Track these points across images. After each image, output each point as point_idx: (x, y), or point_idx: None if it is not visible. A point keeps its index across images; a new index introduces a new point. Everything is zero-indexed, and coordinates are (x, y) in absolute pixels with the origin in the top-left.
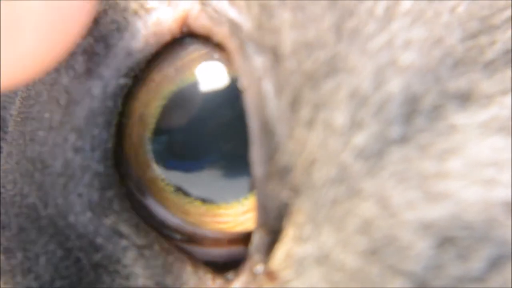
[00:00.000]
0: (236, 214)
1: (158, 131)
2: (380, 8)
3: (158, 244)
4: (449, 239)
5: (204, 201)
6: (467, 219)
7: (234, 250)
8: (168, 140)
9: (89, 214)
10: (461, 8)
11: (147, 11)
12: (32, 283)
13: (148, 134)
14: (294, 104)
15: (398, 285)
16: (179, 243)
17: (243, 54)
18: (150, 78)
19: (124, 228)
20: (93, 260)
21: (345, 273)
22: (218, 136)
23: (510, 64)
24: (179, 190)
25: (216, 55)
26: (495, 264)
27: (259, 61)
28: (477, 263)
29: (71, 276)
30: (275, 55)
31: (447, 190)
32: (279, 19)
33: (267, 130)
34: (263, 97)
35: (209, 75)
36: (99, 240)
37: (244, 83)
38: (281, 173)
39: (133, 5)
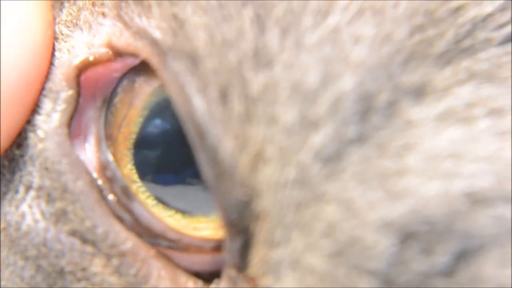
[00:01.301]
0: (216, 227)
1: (139, 144)
2: (314, 1)
3: (133, 253)
4: (411, 235)
5: (184, 213)
6: (428, 214)
7: (218, 258)
8: (149, 153)
9: (44, 223)
10: (403, 3)
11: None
12: None
13: (129, 146)
14: (223, 101)
15: (365, 284)
16: (163, 249)
17: (165, 65)
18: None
19: (90, 236)
20: (57, 267)
21: (316, 277)
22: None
23: (462, 55)
24: (160, 202)
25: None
26: (461, 257)
27: (179, 67)
28: (442, 257)
29: (39, 285)
30: (193, 58)
31: (407, 187)
32: (192, 24)
33: (201, 131)
34: (189, 100)
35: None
36: (58, 247)
37: (172, 93)
38: (228, 172)
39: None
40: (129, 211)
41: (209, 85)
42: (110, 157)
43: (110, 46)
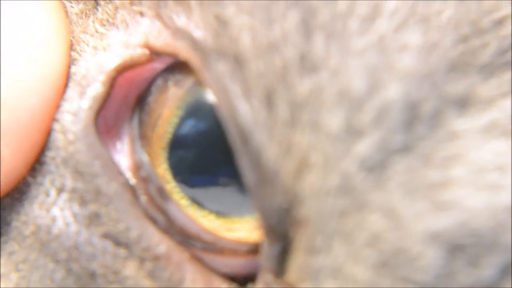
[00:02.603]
0: (251, 229)
1: (174, 144)
2: (360, 7)
3: (168, 256)
4: (458, 248)
5: (218, 214)
6: (475, 227)
7: (254, 262)
8: (183, 153)
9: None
10: (448, 12)
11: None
12: None
13: (163, 146)
14: (268, 105)
15: None
16: (197, 251)
17: (207, 66)
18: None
19: (123, 239)
20: (89, 270)
21: (358, 286)
22: (231, 150)
23: (506, 66)
24: (194, 203)
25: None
26: (505, 270)
27: (222, 69)
28: (487, 270)
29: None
30: (237, 60)
31: (453, 199)
32: (237, 25)
33: (245, 135)
34: (233, 103)
35: None
36: (90, 250)
37: (214, 95)
38: (271, 177)
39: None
40: (163, 212)
41: (254, 89)
42: (145, 157)
43: (147, 45)
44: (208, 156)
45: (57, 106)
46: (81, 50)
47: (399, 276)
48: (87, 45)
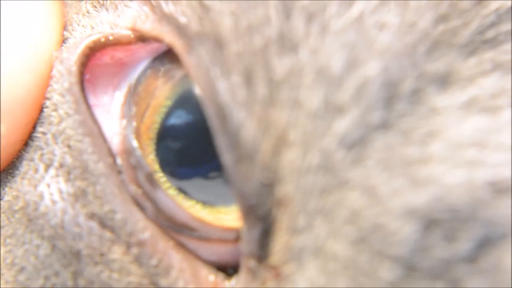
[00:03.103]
0: (237, 218)
1: (162, 135)
2: None
3: (153, 243)
4: (434, 222)
5: (204, 204)
6: (452, 201)
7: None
8: (171, 144)
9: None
10: None
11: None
12: (19, 276)
13: (152, 136)
14: (247, 83)
15: (387, 270)
16: (185, 239)
17: (190, 51)
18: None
19: (108, 221)
20: (74, 249)
21: (339, 263)
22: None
23: (487, 45)
24: (181, 192)
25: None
26: (483, 245)
27: (203, 52)
28: (464, 245)
29: (53, 265)
30: (217, 43)
31: (431, 175)
32: (217, 10)
33: (223, 114)
34: (213, 83)
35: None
36: (76, 230)
37: (195, 77)
38: (249, 155)
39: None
40: (151, 200)
41: (233, 69)
42: (136, 144)
43: (134, 29)
44: (195, 146)
45: (49, 83)
46: (72, 30)
47: (377, 251)
48: (78, 24)
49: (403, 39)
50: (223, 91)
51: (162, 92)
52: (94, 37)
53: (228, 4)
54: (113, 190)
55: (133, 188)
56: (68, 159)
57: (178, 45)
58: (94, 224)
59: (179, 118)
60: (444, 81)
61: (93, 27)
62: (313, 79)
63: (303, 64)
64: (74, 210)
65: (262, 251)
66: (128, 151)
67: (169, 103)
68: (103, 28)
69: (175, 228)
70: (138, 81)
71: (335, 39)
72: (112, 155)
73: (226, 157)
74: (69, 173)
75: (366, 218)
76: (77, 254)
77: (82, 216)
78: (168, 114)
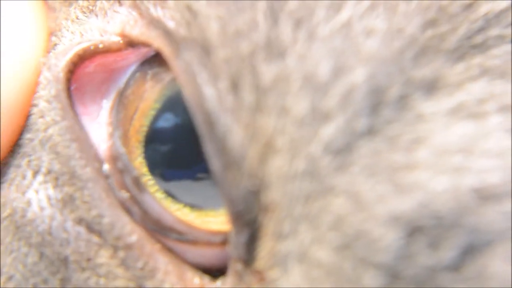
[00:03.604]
0: (224, 221)
1: (150, 138)
2: None
3: (140, 246)
4: (418, 229)
5: (192, 207)
6: (436, 208)
7: (227, 252)
8: (159, 147)
9: (50, 210)
10: None
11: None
12: (7, 284)
13: (140, 139)
14: (234, 90)
15: (371, 278)
16: (172, 242)
17: (177, 55)
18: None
19: (96, 226)
20: (61, 255)
21: (323, 270)
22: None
23: (475, 51)
24: (168, 196)
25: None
26: (468, 252)
27: (191, 57)
28: (449, 252)
29: (41, 273)
30: (205, 48)
31: (416, 181)
32: (206, 14)
33: (211, 120)
34: (200, 89)
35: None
36: (64, 235)
37: (182, 82)
38: (237, 162)
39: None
40: (138, 203)
41: (220, 75)
42: (122, 149)
43: (123, 35)
44: (183, 150)
45: (36, 90)
46: (61, 36)
47: (361, 258)
48: (67, 30)
49: (390, 45)
50: (210, 97)
51: (151, 95)
52: (84, 45)
53: (216, 9)
54: (100, 194)
55: (120, 192)
56: (56, 165)
57: (166, 50)
58: (81, 229)
59: (168, 121)
60: (431, 87)
61: (82, 34)
62: (300, 85)
63: (290, 70)
64: (62, 215)
65: (248, 255)
66: (115, 156)
67: (157, 105)
68: (93, 35)
69: (162, 232)
70: (127, 84)
71: (323, 45)
72: (99, 160)
73: (214, 162)
74: (57, 179)
75: (350, 225)
76: (64, 261)
77: (70, 222)
78: (156, 117)
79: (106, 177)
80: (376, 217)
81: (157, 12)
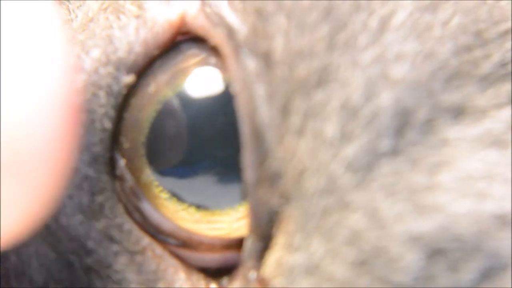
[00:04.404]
0: (231, 221)
1: (152, 137)
2: (374, 20)
3: (151, 250)
4: (438, 251)
5: (198, 207)
6: (457, 231)
7: (229, 256)
8: (163, 146)
9: (79, 217)
10: (454, 21)
11: (144, 10)
12: (26, 286)
13: (142, 139)
14: (285, 111)
15: None
16: (173, 248)
17: (237, 59)
18: (146, 83)
19: (116, 233)
20: (85, 264)
21: (334, 284)
22: (213, 142)
23: (505, 78)
24: (173, 196)
25: (212, 59)
26: (486, 275)
27: (251, 66)
28: (468, 275)
29: (63, 280)
30: (267, 61)
31: (437, 203)
32: (274, 25)
33: (258, 136)
34: (255, 102)
35: (204, 81)
36: (90, 244)
37: (237, 88)
38: (272, 179)
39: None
40: (138, 210)
41: (277, 93)
42: (119, 156)
43: (183, 23)
44: (187, 149)
45: None
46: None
47: (378, 276)
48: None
49: (420, 69)
50: (263, 113)
51: (152, 96)
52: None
53: (285, 20)
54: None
55: (124, 199)
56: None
57: (226, 49)
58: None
59: (169, 121)
60: (459, 112)
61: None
62: (335, 111)
63: (331, 97)
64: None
65: (257, 263)
66: (113, 164)
67: (158, 106)
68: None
69: (163, 238)
70: None
71: (361, 73)
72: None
73: (249, 174)
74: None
75: (367, 241)
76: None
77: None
78: (158, 117)
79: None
80: (395, 235)
81: (221, 7)
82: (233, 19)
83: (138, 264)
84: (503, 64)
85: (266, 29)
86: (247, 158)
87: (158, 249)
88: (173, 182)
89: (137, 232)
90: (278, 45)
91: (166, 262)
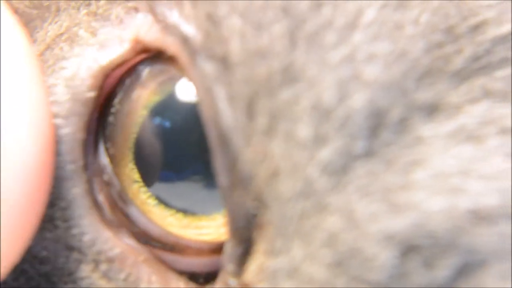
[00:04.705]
0: (218, 226)
1: (140, 143)
2: (339, 18)
3: (127, 257)
4: (413, 248)
5: (186, 213)
6: (431, 228)
7: (216, 261)
8: (150, 152)
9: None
10: (423, 19)
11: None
12: None
13: (130, 145)
14: (249, 113)
15: None
16: (158, 252)
17: (194, 65)
18: (132, 90)
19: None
20: (42, 272)
21: (314, 285)
22: (199, 148)
23: (479, 72)
24: (161, 202)
25: (172, 70)
26: (462, 272)
27: (209, 70)
28: (443, 271)
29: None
30: (225, 64)
31: (411, 201)
32: (228, 27)
33: (225, 139)
34: (217, 106)
35: (189, 87)
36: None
37: (198, 94)
38: (244, 182)
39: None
40: (125, 215)
41: (239, 94)
42: (107, 161)
43: (137, 40)
44: (174, 154)
45: None
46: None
47: (353, 276)
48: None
49: (391, 70)
50: (227, 116)
51: (139, 102)
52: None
53: (239, 21)
54: (83, 213)
55: (105, 206)
56: None
57: (182, 58)
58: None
59: (156, 126)
60: (433, 109)
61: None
62: (306, 111)
63: (300, 96)
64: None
65: (239, 268)
66: (101, 169)
67: (145, 112)
68: (113, 44)
69: (150, 243)
70: (113, 92)
71: (330, 72)
72: (88, 179)
73: (222, 179)
74: None
75: (343, 242)
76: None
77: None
78: (145, 123)
79: (93, 195)
80: (370, 235)
81: (173, 17)
82: (185, 26)
83: (105, 271)
84: (475, 59)
85: (221, 32)
86: (218, 162)
87: (131, 257)
88: (160, 188)
89: (111, 241)
90: (235, 47)
91: (139, 270)
